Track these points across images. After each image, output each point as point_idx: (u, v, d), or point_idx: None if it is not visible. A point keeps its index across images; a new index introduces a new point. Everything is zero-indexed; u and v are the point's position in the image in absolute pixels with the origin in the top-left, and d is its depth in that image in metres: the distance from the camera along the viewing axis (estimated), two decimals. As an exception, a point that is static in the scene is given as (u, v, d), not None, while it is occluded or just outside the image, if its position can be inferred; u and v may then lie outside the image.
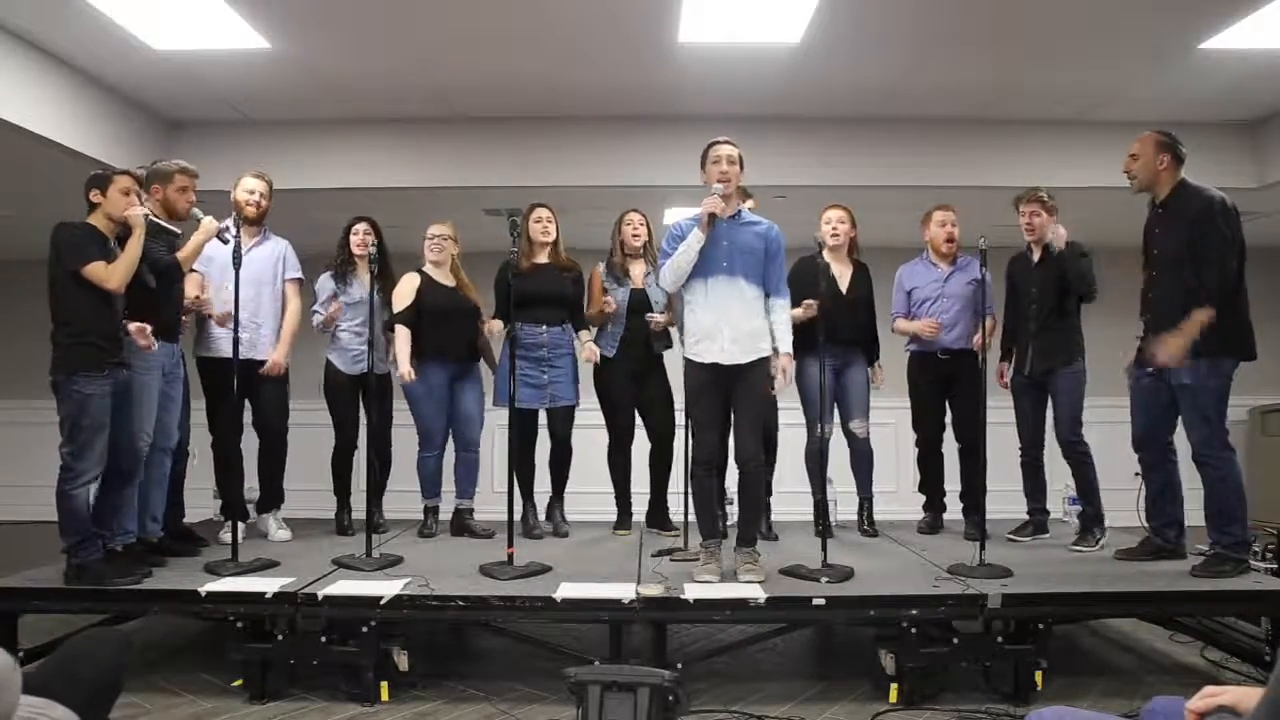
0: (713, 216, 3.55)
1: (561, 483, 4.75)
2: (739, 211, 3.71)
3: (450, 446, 4.72)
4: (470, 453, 4.69)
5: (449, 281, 4.62)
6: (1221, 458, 3.67)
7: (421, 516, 4.75)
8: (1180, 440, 3.85)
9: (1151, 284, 3.83)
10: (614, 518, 4.78)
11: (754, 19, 4.25)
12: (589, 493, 5.04)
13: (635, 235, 4.57)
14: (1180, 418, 3.77)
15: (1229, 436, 3.70)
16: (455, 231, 4.70)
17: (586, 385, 4.67)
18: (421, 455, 4.66)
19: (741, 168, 3.65)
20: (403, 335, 4.50)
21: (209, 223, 3.89)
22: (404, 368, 4.44)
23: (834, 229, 4.54)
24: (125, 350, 3.61)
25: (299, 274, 4.56)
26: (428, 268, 4.61)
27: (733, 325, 3.59)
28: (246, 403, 4.36)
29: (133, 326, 3.60)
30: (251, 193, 4.39)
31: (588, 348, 4.49)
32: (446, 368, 4.58)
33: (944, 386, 4.65)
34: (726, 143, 3.65)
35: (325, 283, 4.66)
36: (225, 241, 3.87)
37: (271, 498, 4.62)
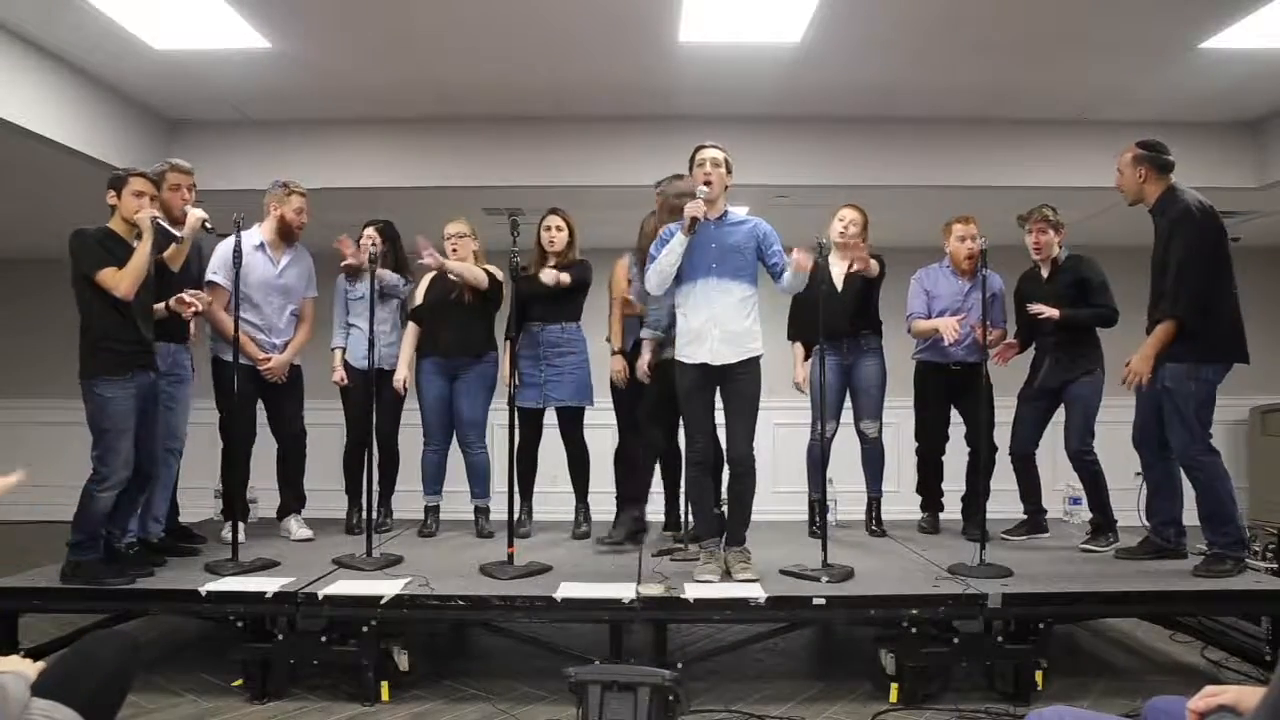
0: (695, 220, 3.54)
1: (580, 485, 4.71)
2: (725, 213, 3.71)
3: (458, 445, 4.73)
4: (472, 452, 4.69)
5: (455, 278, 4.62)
6: (1204, 461, 3.68)
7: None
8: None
9: (1151, 291, 3.84)
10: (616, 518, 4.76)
11: (754, 19, 4.25)
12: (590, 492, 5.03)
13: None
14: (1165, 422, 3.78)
15: (1212, 440, 3.71)
16: (472, 228, 4.68)
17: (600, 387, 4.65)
18: (423, 450, 4.69)
19: (729, 171, 3.67)
20: (408, 333, 4.67)
21: (192, 217, 3.79)
22: (399, 370, 4.62)
23: (844, 227, 4.50)
24: (151, 353, 3.63)
25: (315, 291, 4.62)
26: None
27: (722, 326, 3.60)
28: (256, 407, 4.44)
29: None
30: (300, 212, 4.39)
31: (616, 360, 4.41)
32: (443, 363, 4.60)
33: (952, 394, 4.64)
34: (713, 146, 3.68)
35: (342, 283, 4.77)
36: (209, 230, 3.79)
37: (294, 500, 4.62)
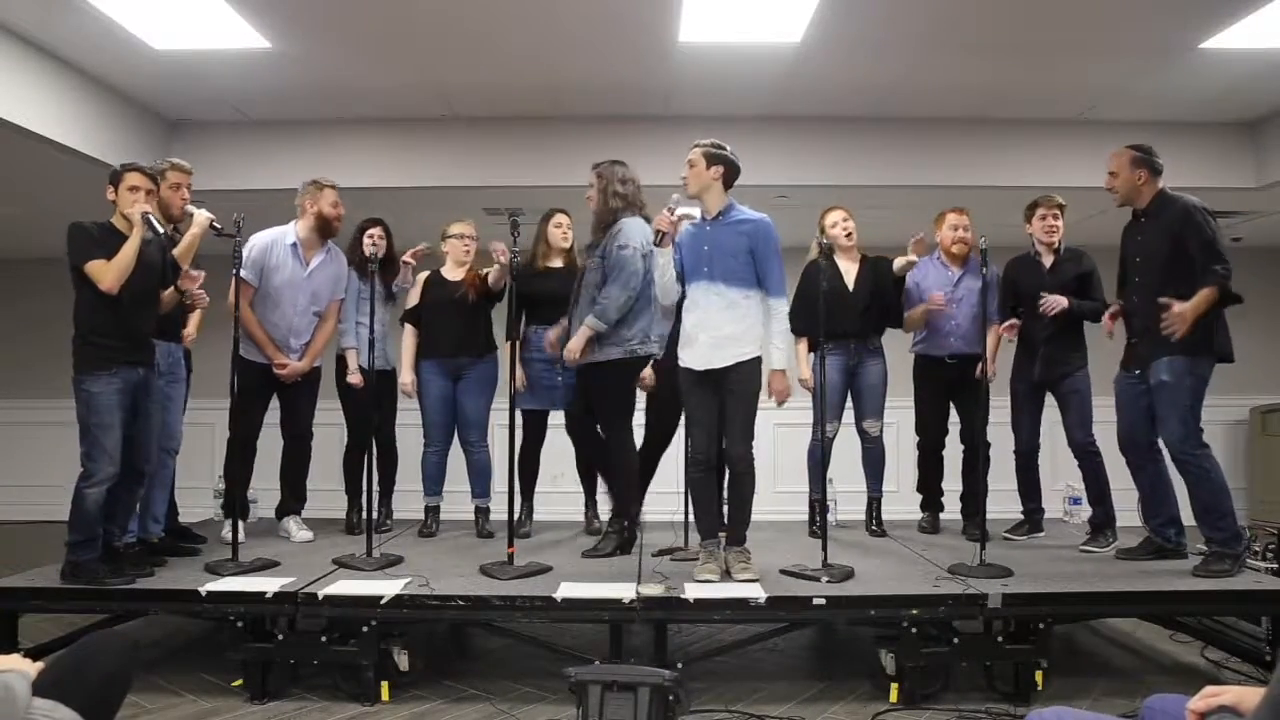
0: (661, 234, 3.52)
1: (588, 483, 4.71)
2: (726, 211, 3.65)
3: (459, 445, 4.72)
4: (474, 452, 4.68)
5: (455, 278, 4.62)
6: (1199, 455, 3.69)
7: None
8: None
9: (1135, 289, 3.86)
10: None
11: (754, 19, 4.25)
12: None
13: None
14: (1157, 418, 3.79)
15: (1204, 435, 3.72)
16: (476, 230, 4.70)
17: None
18: (424, 450, 4.69)
19: (713, 164, 3.58)
20: (407, 336, 4.64)
21: (201, 216, 3.80)
22: (403, 375, 4.62)
23: (846, 229, 4.52)
24: (145, 350, 3.61)
25: (344, 294, 4.59)
26: (446, 267, 4.64)
27: (710, 330, 3.58)
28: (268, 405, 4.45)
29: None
30: (336, 205, 4.39)
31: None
32: (444, 363, 4.60)
33: (949, 390, 4.66)
34: (696, 145, 3.64)
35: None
36: (217, 232, 3.77)
37: (294, 501, 4.60)
